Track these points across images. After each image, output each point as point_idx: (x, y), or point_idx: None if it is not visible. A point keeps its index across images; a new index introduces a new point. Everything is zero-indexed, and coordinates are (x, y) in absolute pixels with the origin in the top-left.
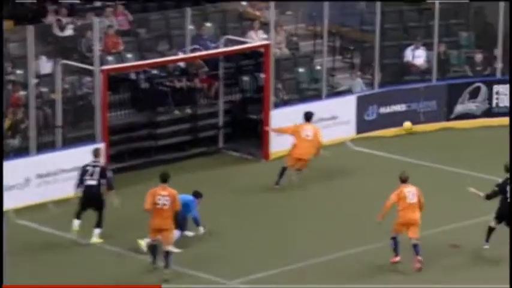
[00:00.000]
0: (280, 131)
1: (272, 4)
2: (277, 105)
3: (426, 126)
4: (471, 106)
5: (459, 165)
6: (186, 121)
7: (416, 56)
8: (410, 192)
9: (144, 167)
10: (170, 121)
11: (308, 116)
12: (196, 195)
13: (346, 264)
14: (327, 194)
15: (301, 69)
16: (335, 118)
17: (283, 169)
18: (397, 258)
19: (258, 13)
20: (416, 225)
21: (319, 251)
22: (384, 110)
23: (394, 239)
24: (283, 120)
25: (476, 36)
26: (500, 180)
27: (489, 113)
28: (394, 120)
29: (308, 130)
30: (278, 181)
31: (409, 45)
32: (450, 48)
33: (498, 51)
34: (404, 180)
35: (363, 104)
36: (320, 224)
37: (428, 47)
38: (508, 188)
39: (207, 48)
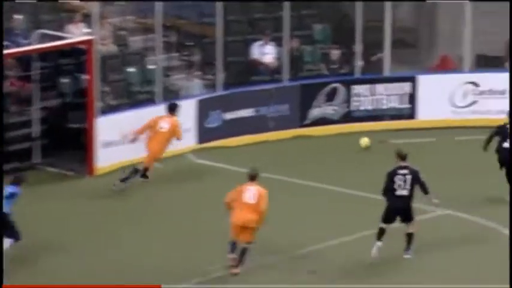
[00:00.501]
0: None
1: None
2: (103, 112)
3: (278, 134)
4: (328, 110)
5: (315, 178)
6: None
7: (265, 52)
8: (251, 191)
9: None
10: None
11: (172, 108)
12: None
13: None
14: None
15: (131, 69)
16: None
17: (135, 171)
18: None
19: (78, 3)
20: (250, 229)
21: None
22: (228, 115)
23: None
24: (111, 129)
25: (333, 30)
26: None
27: (348, 117)
28: (241, 127)
29: (165, 122)
30: (123, 180)
31: (256, 40)
32: (303, 43)
33: (357, 47)
34: (252, 178)
35: (204, 109)
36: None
37: (278, 42)
38: (395, 178)
39: (18, 45)
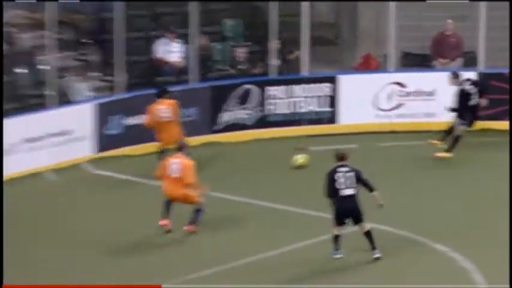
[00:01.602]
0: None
1: None
2: None
3: (189, 140)
4: (241, 114)
5: (229, 190)
6: None
7: (171, 51)
8: (175, 163)
9: None
10: None
11: (160, 93)
12: None
13: None
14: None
15: (20, 70)
16: (67, 133)
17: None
18: (165, 222)
19: None
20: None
21: None
22: (131, 121)
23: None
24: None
25: (245, 26)
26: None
27: (263, 122)
28: (145, 133)
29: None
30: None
31: (160, 37)
32: (213, 40)
33: (272, 45)
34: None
35: (103, 114)
36: None
37: (185, 39)
38: (336, 176)
39: None
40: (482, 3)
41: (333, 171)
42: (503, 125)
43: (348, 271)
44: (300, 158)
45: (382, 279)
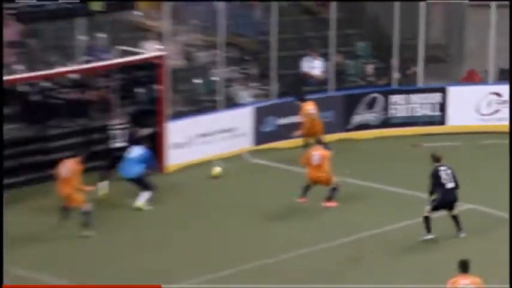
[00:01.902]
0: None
1: (167, 14)
2: (173, 117)
3: (326, 137)
4: (368, 117)
5: (358, 176)
6: (79, 134)
7: (314, 66)
8: (316, 154)
9: (36, 182)
10: (62, 135)
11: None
12: None
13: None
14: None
15: (197, 81)
16: (233, 130)
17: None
18: (303, 200)
19: (152, 23)
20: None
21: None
22: (281, 121)
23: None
24: (179, 132)
25: (373, 47)
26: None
27: (386, 123)
28: (292, 131)
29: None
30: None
31: (305, 55)
32: (347, 58)
33: (394, 62)
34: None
35: (260, 116)
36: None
37: (325, 57)
38: (441, 174)
39: (100, 60)
40: None
41: (436, 171)
42: None
43: (442, 248)
44: (215, 170)
45: (474, 257)
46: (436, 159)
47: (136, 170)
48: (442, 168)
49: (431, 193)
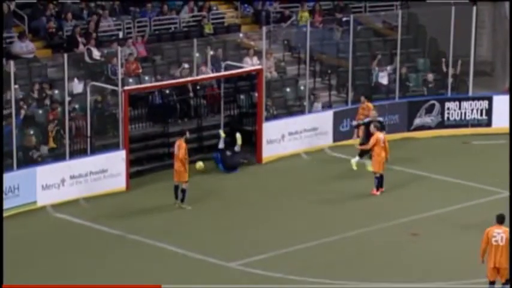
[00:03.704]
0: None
1: (264, 35)
2: (267, 119)
3: (391, 136)
4: (427, 119)
5: (421, 168)
6: (193, 131)
7: (381, 76)
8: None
9: (158, 170)
10: (179, 132)
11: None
12: None
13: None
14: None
15: (288, 89)
16: (316, 129)
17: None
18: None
19: (252, 43)
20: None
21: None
22: (355, 122)
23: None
24: (273, 130)
25: (431, 63)
26: None
27: (442, 125)
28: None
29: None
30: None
31: (376, 69)
32: (409, 72)
33: (449, 75)
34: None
35: (338, 118)
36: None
37: (393, 70)
38: None
39: (218, 70)
40: None
41: None
42: None
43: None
44: (198, 165)
45: None
46: None
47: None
48: None
49: None
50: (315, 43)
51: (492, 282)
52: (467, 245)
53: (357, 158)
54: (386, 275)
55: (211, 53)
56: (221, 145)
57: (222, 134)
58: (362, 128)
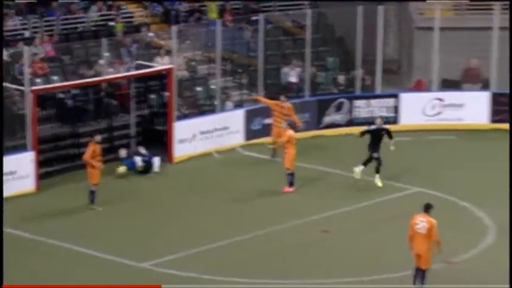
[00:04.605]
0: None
1: (174, 35)
2: (179, 118)
3: (302, 134)
4: (336, 117)
5: (331, 165)
6: (103, 131)
7: (293, 76)
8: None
9: (69, 170)
10: (89, 132)
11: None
12: None
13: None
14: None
15: (199, 88)
16: (227, 128)
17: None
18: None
19: (162, 42)
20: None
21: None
22: (267, 121)
23: None
24: (184, 130)
25: (340, 61)
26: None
27: (351, 123)
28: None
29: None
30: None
31: (286, 68)
32: (319, 70)
33: (357, 74)
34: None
35: (250, 117)
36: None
37: (303, 69)
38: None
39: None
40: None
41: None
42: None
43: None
44: (120, 169)
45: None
46: None
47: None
48: None
49: None
50: (225, 42)
51: (418, 267)
52: (377, 241)
53: (361, 167)
54: (297, 272)
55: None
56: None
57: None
58: (277, 127)
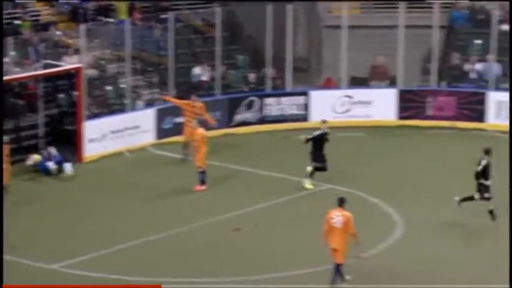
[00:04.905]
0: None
1: (83, 33)
2: (89, 118)
3: (213, 133)
4: (247, 115)
5: (242, 164)
6: (10, 132)
7: (203, 74)
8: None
9: None
10: None
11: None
12: None
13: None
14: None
15: (108, 88)
16: (138, 127)
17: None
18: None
19: (71, 41)
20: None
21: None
22: (178, 119)
23: None
24: (94, 129)
25: (250, 60)
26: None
27: (262, 121)
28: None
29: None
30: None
31: (197, 66)
32: (230, 68)
33: (268, 72)
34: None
35: (161, 115)
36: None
37: (212, 67)
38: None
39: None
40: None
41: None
42: (418, 122)
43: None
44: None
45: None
46: (487, 151)
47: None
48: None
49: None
50: (135, 41)
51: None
52: (289, 238)
53: (307, 179)
54: (210, 271)
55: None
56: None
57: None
58: (189, 126)
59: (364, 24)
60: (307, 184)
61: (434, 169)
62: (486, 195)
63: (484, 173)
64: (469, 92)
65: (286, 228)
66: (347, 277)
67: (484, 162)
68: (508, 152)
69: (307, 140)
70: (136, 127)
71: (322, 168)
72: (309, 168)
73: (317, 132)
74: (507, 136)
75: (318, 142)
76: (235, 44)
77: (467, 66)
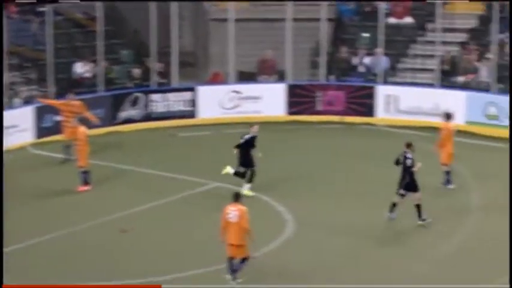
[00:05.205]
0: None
1: None
2: None
3: (96, 131)
4: (132, 112)
5: (127, 163)
6: None
7: (85, 71)
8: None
9: None
10: None
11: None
12: None
13: None
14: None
15: None
16: (16, 126)
17: None
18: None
19: None
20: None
21: None
22: (59, 117)
23: None
24: None
25: (135, 54)
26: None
27: (148, 117)
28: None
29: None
30: None
31: (77, 62)
32: (113, 64)
33: (153, 66)
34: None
35: (40, 114)
36: None
37: (95, 63)
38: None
39: None
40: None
41: (402, 158)
42: (308, 118)
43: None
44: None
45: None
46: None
47: None
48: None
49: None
50: (10, 35)
51: (231, 258)
52: (178, 238)
53: (247, 185)
54: (97, 274)
55: None
56: None
57: None
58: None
59: (251, 17)
60: (247, 191)
61: (325, 165)
62: (402, 191)
63: (405, 167)
64: (357, 86)
65: (173, 228)
66: (226, 276)
67: (409, 156)
68: (511, 153)
69: (238, 146)
70: (14, 126)
71: (243, 175)
72: (230, 171)
73: (247, 136)
74: (395, 130)
75: (246, 146)
76: (118, 39)
77: (355, 60)
